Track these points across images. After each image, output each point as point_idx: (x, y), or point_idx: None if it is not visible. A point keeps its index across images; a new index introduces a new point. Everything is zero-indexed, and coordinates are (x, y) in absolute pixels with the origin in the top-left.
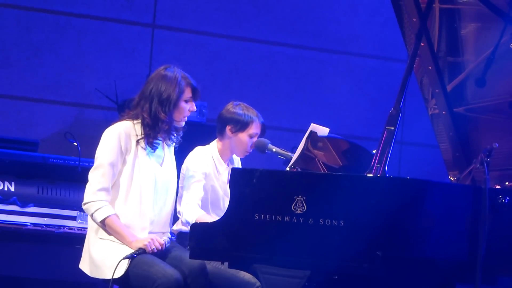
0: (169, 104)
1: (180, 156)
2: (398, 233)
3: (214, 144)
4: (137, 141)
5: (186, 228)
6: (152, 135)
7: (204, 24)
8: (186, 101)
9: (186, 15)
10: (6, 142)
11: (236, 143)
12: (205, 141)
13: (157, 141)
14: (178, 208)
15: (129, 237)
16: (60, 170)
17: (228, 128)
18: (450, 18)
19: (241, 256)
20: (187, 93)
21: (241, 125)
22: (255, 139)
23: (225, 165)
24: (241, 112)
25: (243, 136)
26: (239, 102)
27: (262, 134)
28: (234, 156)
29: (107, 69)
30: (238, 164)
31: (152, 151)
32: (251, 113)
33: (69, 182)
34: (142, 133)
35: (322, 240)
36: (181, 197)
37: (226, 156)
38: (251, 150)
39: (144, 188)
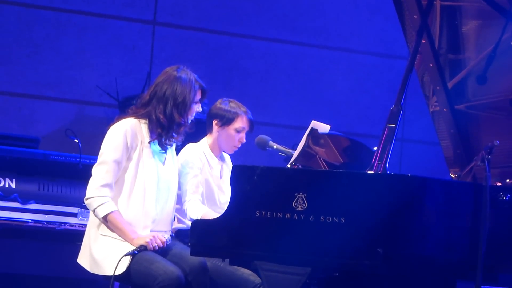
0: (185, 107)
1: (179, 152)
2: (399, 230)
3: (205, 140)
4: (148, 142)
5: (184, 226)
6: (165, 136)
7: (204, 21)
8: (195, 103)
9: (186, 12)
10: (7, 139)
11: (223, 138)
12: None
13: (170, 143)
14: (177, 206)
15: (131, 234)
16: (61, 167)
17: (214, 122)
18: (451, 15)
19: (242, 253)
20: (198, 95)
21: (227, 119)
22: (242, 134)
23: (216, 159)
24: (227, 107)
25: (230, 130)
26: (229, 99)
27: (250, 129)
28: (224, 153)
29: (107, 66)
30: (228, 161)
31: (163, 151)
32: (238, 108)
33: (70, 179)
34: (149, 133)
35: (323, 237)
36: (178, 196)
37: (216, 151)
38: (240, 146)
39: (147, 186)
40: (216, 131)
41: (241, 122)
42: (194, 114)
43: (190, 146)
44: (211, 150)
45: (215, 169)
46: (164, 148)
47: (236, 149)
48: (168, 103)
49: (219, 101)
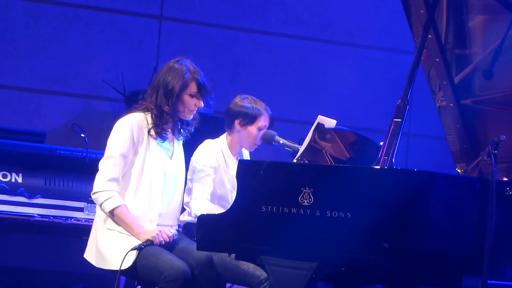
0: (172, 97)
1: (187, 147)
2: (405, 225)
3: (224, 138)
4: (149, 133)
5: (193, 218)
6: (160, 125)
7: (211, 16)
8: (192, 96)
9: (193, 6)
10: (13, 134)
11: (245, 136)
12: (212, 132)
13: (165, 132)
14: (185, 200)
15: (137, 229)
16: (68, 162)
17: (237, 122)
18: (457, 10)
19: (248, 247)
20: (192, 88)
21: (250, 118)
22: (263, 131)
23: (234, 159)
24: (249, 105)
25: (252, 129)
26: (247, 95)
27: (271, 126)
28: (243, 149)
29: (114, 60)
30: (247, 157)
31: (162, 141)
32: (259, 106)
33: (76, 174)
34: (151, 123)
35: (329, 232)
36: (189, 190)
37: (235, 150)
38: (260, 143)
39: (154, 181)
40: (238, 130)
41: (264, 121)
42: (190, 107)
43: (207, 143)
44: (229, 148)
45: (231, 168)
46: (162, 138)
47: (256, 146)
48: (159, 92)
49: (237, 98)
